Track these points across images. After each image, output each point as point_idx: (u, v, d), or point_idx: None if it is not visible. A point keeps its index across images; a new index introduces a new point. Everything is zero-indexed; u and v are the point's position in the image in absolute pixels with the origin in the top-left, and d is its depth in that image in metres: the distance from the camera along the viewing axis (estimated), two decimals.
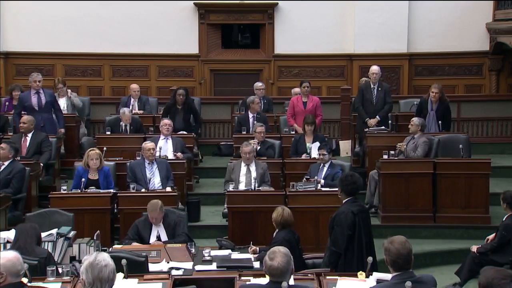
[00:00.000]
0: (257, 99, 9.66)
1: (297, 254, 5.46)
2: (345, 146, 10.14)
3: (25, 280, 4.29)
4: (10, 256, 3.76)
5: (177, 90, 9.58)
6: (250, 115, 9.56)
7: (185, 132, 9.28)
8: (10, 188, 7.28)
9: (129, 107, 9.77)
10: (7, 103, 10.00)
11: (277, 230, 5.83)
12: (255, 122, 9.16)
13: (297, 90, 10.43)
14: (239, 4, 11.83)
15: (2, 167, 7.43)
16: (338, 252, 5.34)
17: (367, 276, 4.77)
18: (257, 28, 12.10)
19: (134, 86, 10.30)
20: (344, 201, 5.52)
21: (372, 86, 9.24)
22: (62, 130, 9.04)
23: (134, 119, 9.38)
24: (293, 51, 11.77)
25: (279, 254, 3.82)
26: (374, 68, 9.24)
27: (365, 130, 9.05)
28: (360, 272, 4.84)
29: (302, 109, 9.36)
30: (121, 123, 9.24)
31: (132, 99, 10.17)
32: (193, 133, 9.40)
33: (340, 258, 5.34)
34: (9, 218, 6.98)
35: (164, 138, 8.56)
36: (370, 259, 4.85)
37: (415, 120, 8.41)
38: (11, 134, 8.82)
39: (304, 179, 7.57)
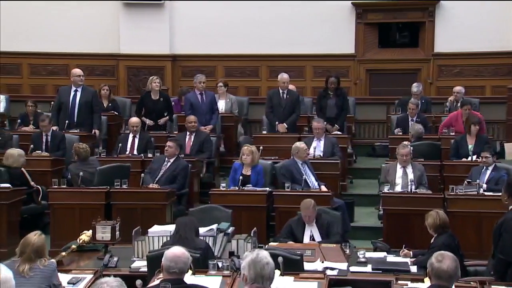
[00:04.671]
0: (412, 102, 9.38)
1: (458, 260, 5.23)
2: (511, 148, 9.54)
3: (189, 272, 4.52)
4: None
5: (328, 79, 9.55)
6: (410, 118, 9.33)
7: (339, 133, 9.27)
8: (175, 183, 7.71)
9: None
10: (173, 103, 10.55)
11: (435, 234, 5.64)
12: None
13: (457, 88, 10.04)
14: (398, 3, 11.55)
15: (168, 164, 7.88)
16: (506, 260, 5.03)
17: None
18: (415, 27, 11.73)
19: (292, 86, 10.37)
20: (510, 207, 5.20)
21: None
22: (210, 127, 9.27)
23: (291, 89, 9.57)
24: (454, 50, 11.22)
25: (447, 257, 3.72)
26: None
27: None
28: None
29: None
30: (280, 90, 9.45)
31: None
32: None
33: (509, 267, 5.04)
34: (174, 212, 7.39)
35: (317, 140, 8.60)
36: None
37: None
38: (176, 132, 9.35)
39: (465, 182, 7.23)
